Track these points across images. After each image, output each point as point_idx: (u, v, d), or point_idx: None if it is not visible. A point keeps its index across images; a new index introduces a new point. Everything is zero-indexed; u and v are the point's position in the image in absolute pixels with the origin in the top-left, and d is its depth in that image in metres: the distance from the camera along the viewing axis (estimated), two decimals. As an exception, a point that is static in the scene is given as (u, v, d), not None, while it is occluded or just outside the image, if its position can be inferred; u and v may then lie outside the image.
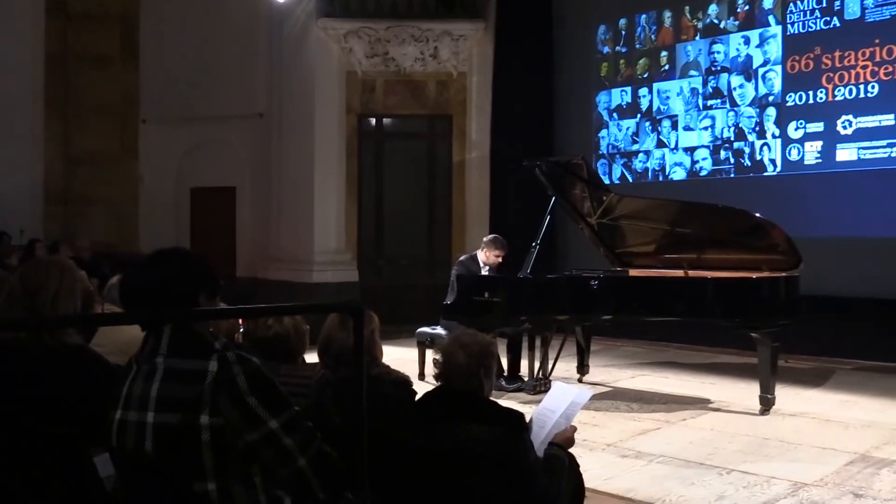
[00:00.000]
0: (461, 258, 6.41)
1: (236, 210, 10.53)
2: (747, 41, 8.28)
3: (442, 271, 6.61)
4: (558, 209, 6.33)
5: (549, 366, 6.03)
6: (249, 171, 10.33)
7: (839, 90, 7.65)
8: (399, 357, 7.16)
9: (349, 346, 2.46)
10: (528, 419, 2.51)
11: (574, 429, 2.63)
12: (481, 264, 6.25)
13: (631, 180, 9.24)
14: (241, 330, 3.15)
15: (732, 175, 8.44)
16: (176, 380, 1.79)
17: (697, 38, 8.63)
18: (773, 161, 8.19)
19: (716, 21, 8.51)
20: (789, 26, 8.00)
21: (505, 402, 2.57)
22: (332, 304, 2.37)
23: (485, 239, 6.31)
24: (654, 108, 9.02)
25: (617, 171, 9.36)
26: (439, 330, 6.27)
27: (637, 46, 9.16)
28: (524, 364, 6.01)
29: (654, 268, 6.08)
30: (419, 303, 9.59)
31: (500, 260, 6.21)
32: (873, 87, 7.44)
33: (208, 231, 10.48)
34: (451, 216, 9.96)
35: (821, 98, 7.77)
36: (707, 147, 8.63)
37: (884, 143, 7.40)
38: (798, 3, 7.94)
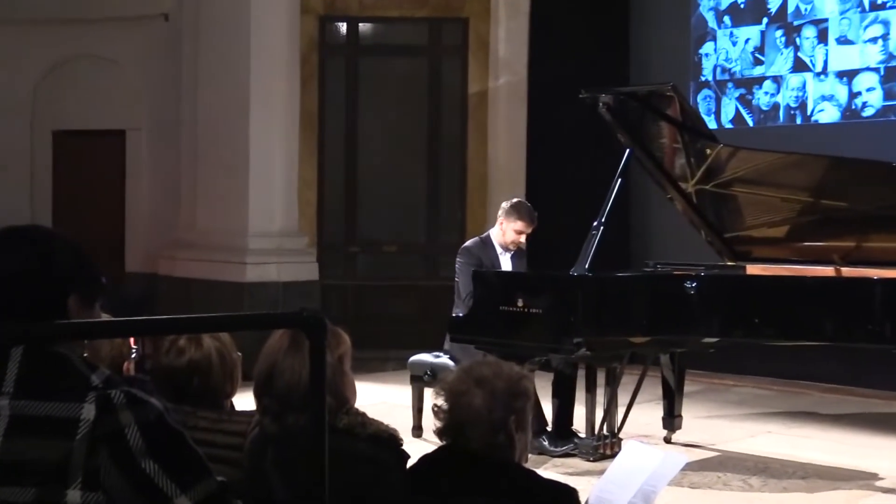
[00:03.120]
0: (467, 244, 6.43)
1: (126, 167, 10.54)
2: None
3: (450, 264, 6.60)
4: (634, 169, 6.30)
5: (620, 416, 6.04)
6: (147, 107, 10.33)
7: None
8: (382, 400, 7.16)
9: (303, 383, 2.47)
10: (584, 500, 2.52)
11: (657, 515, 2.64)
12: (498, 249, 6.27)
13: (752, 123, 9.20)
14: (135, 356, 3.16)
15: (914, 115, 8.40)
16: (30, 433, 1.80)
17: None
18: (979, 93, 8.14)
19: None
20: None
21: (549, 473, 2.58)
22: (278, 317, 2.38)
23: (504, 205, 6.32)
24: (790, 10, 8.97)
25: (729, 107, 9.32)
26: (444, 358, 6.30)
27: None
28: (579, 413, 6.02)
29: (787, 262, 6.06)
30: (414, 315, 9.59)
31: (522, 239, 6.23)
32: None
33: (82, 199, 10.51)
34: (466, 178, 9.96)
35: None
36: (875, 71, 8.58)
37: None
38: None
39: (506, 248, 6.27)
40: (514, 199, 6.40)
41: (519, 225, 6.19)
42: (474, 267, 6.11)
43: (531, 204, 6.48)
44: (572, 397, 6.10)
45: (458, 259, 6.31)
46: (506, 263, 6.28)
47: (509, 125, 9.81)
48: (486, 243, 6.31)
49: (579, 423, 6.03)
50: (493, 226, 6.45)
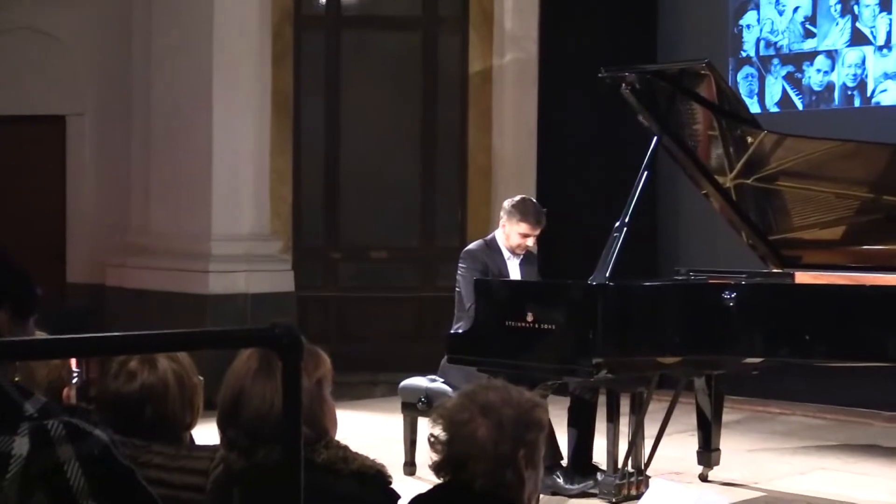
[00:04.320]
0: (470, 247, 6.44)
1: (67, 159, 10.54)
2: None
3: (448, 272, 6.60)
4: (664, 160, 6.29)
5: (647, 450, 6.03)
6: (92, 89, 10.33)
7: None
8: (369, 433, 7.15)
9: (276, 411, 2.46)
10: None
11: (692, 566, 2.63)
12: (505, 253, 6.28)
13: (801, 106, 9.20)
14: (76, 380, 3.15)
15: None
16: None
17: None
18: None
19: None
20: None
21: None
22: (246, 333, 2.37)
23: (506, 204, 6.32)
24: (846, -28, 8.98)
25: (775, 87, 9.32)
26: (441, 383, 6.30)
27: None
28: (599, 445, 6.01)
29: (843, 268, 6.06)
30: (406, 332, 9.57)
31: (529, 242, 6.23)
32: None
33: (15, 197, 10.49)
34: (466, 172, 9.96)
35: None
36: (944, 44, 8.59)
37: None
38: None
39: (513, 253, 6.27)
40: (518, 197, 6.38)
41: (523, 227, 6.18)
42: (478, 274, 6.10)
43: (542, 202, 6.48)
44: (592, 427, 6.10)
45: (459, 265, 6.31)
46: (514, 270, 6.28)
47: (517, 110, 9.81)
48: (492, 247, 6.30)
49: (600, 456, 6.02)
50: (497, 226, 6.45)
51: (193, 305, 9.21)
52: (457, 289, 6.29)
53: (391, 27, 10.04)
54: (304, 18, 9.93)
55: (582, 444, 6.08)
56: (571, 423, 6.09)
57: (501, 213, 6.31)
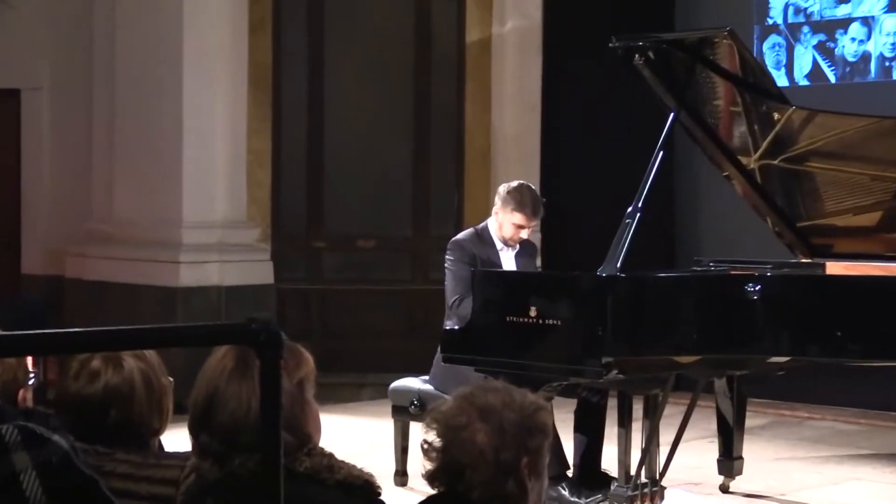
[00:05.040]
0: (458, 237, 6.45)
1: (22, 138, 10.54)
2: None
3: (443, 264, 6.60)
4: (681, 139, 6.29)
5: (663, 458, 6.05)
6: (49, 60, 10.32)
7: None
8: (356, 439, 7.17)
9: (253, 415, 2.47)
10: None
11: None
12: (498, 244, 6.29)
13: (834, 79, 9.20)
14: (33, 381, 3.16)
15: None
16: None
17: None
18: None
19: None
20: None
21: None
22: (221, 329, 2.37)
23: (501, 190, 6.32)
24: (883, -69, 8.98)
25: (804, 58, 9.32)
26: (432, 387, 6.32)
27: None
28: (609, 451, 6.03)
29: (879, 258, 6.07)
30: (397, 329, 9.58)
31: (524, 234, 6.24)
32: None
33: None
34: (463, 153, 9.96)
35: None
36: None
37: None
38: None
39: (506, 244, 6.27)
40: (515, 183, 6.36)
41: (518, 217, 6.17)
42: (466, 267, 6.10)
43: (546, 185, 6.50)
44: (601, 433, 6.12)
45: (446, 256, 6.31)
46: (507, 262, 6.28)
47: (519, 84, 9.81)
48: (483, 237, 6.30)
49: (610, 465, 6.03)
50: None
51: (162, 299, 9.22)
52: (446, 281, 6.30)
53: (380, -8, 10.04)
54: (284, -17, 9.92)
55: (590, 451, 6.10)
56: (578, 429, 6.11)
57: (496, 199, 6.30)
